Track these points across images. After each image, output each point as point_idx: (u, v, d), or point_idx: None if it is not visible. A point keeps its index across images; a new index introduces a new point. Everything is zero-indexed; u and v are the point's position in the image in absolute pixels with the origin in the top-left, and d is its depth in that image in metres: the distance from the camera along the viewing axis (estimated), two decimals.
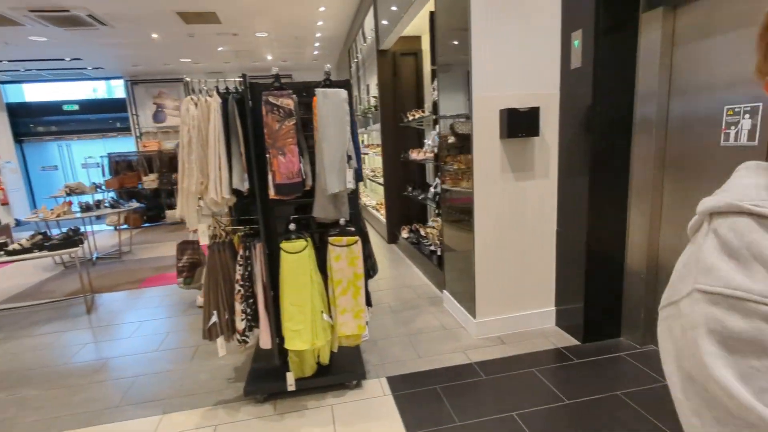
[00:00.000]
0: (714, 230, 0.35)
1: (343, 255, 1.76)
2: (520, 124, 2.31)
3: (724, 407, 0.31)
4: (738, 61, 1.78)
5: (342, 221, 1.78)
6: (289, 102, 1.58)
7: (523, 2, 2.27)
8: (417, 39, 4.67)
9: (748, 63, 1.75)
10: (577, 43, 2.25)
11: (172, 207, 7.59)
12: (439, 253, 3.50)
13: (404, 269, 4.01)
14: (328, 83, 1.69)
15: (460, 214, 2.72)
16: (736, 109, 1.81)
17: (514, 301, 2.60)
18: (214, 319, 1.76)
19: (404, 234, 4.56)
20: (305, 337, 1.70)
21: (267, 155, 1.60)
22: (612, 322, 2.45)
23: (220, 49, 6.86)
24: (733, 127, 1.83)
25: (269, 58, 7.77)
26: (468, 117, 2.42)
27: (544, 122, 2.38)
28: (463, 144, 2.59)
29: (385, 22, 4.36)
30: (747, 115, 1.77)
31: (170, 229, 7.05)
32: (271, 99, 1.57)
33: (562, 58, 2.36)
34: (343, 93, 1.68)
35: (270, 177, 1.61)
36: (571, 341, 2.46)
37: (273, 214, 1.80)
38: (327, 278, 1.81)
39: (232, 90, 1.74)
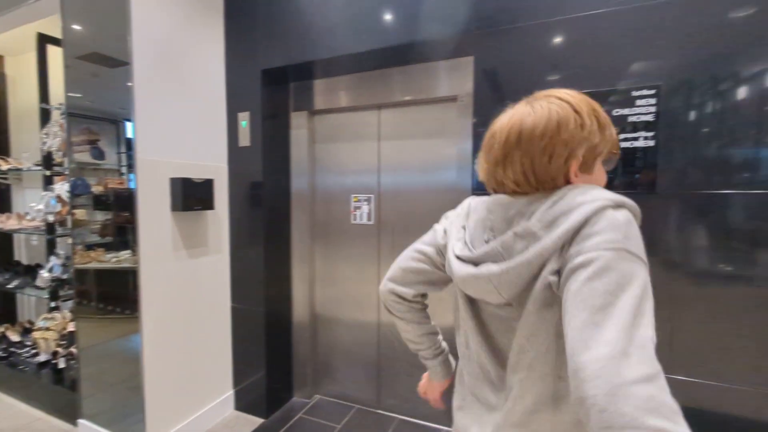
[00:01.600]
0: None
1: None
2: (194, 196, 2.11)
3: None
4: (355, 162, 2.46)
5: None
6: None
7: (190, 71, 2.17)
8: None
9: (360, 164, 2.48)
10: (245, 123, 2.37)
11: None
12: (63, 364, 2.43)
13: None
14: None
15: (113, 302, 2.06)
16: (359, 197, 2.48)
17: (191, 402, 2.20)
18: None
19: None
20: None
21: None
22: (286, 385, 2.58)
23: None
24: (358, 210, 2.49)
25: None
26: (123, 175, 1.95)
27: (217, 195, 2.30)
28: (117, 212, 2.03)
29: None
30: (365, 203, 2.47)
31: None
32: None
33: (230, 135, 2.41)
34: None
35: None
36: (256, 421, 2.36)
37: None
38: None
39: None
